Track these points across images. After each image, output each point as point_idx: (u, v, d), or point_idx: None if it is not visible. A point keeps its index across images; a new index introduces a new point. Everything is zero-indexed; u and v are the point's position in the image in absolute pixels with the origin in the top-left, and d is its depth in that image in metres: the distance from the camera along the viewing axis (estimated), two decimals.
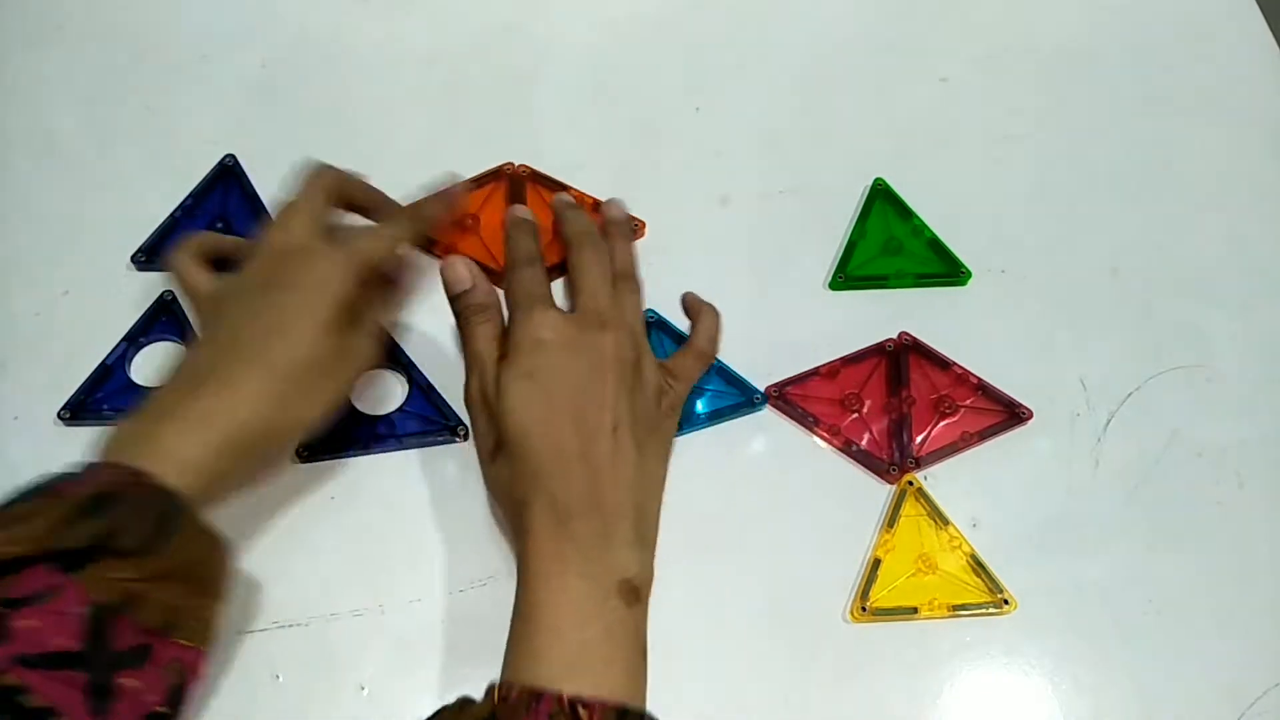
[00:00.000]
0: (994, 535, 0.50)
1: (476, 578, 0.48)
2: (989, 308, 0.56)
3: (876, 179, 0.58)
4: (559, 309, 0.44)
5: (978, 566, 0.48)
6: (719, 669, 0.46)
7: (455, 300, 0.46)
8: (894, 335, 0.54)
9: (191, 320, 0.51)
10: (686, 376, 0.48)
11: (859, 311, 0.55)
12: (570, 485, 0.41)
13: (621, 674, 0.39)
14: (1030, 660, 0.47)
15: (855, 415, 0.52)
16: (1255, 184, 0.60)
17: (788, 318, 0.55)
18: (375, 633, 0.46)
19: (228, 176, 0.57)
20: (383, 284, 0.49)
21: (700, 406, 0.52)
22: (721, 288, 0.52)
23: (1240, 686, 0.47)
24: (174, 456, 0.39)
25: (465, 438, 0.50)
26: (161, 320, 0.53)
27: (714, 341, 0.50)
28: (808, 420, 0.52)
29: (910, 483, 0.50)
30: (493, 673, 0.45)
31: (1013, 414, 0.52)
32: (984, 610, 0.48)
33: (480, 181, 0.57)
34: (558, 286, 0.48)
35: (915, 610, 0.48)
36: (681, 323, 0.52)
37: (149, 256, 0.54)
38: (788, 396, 0.52)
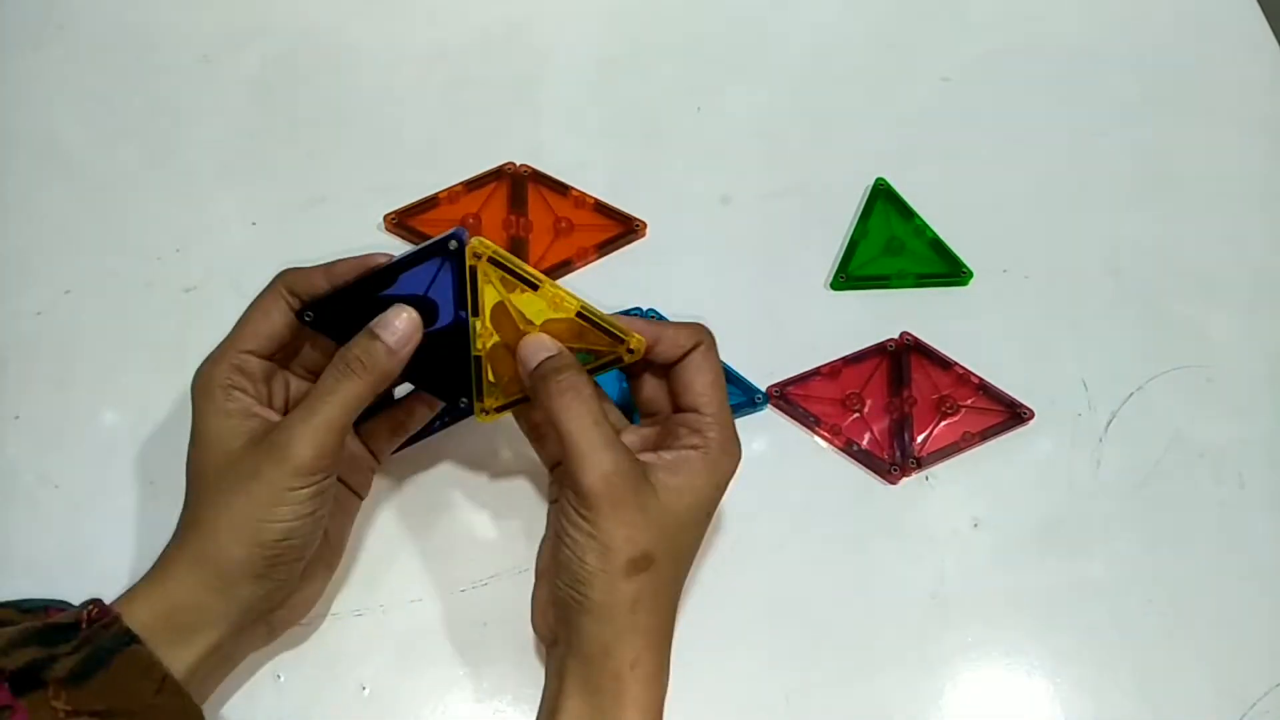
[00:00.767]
0: (995, 535, 0.50)
1: (477, 578, 0.48)
2: (990, 308, 0.56)
3: (878, 179, 0.58)
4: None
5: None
6: (719, 669, 0.46)
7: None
8: (895, 335, 0.54)
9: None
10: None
11: (860, 311, 0.55)
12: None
13: None
14: (1032, 660, 0.47)
15: (856, 415, 0.52)
16: (1256, 184, 0.60)
17: (789, 318, 0.55)
18: (376, 633, 0.46)
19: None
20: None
21: None
22: (723, 287, 0.52)
23: (1242, 686, 0.47)
24: (150, 597, 0.39)
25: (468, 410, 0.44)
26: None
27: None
28: (809, 420, 0.52)
29: None
30: (492, 672, 0.45)
31: (1014, 414, 0.52)
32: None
33: (481, 181, 0.57)
34: None
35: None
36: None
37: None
38: (789, 396, 0.52)
